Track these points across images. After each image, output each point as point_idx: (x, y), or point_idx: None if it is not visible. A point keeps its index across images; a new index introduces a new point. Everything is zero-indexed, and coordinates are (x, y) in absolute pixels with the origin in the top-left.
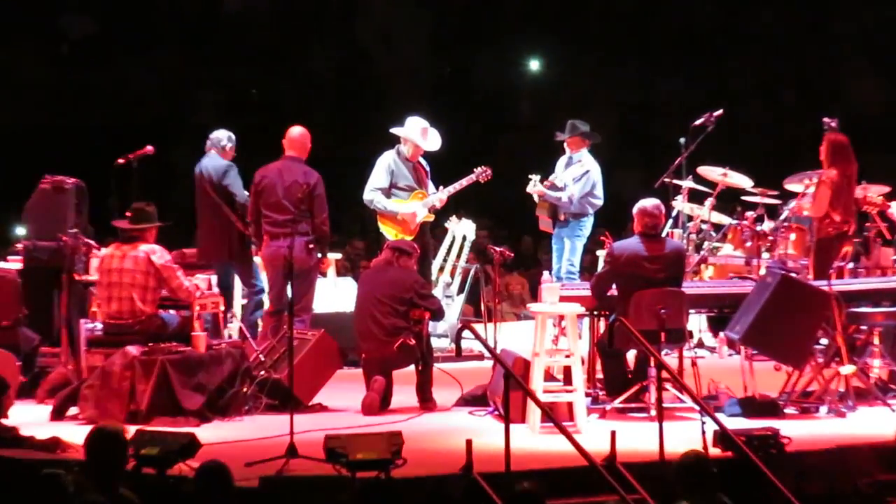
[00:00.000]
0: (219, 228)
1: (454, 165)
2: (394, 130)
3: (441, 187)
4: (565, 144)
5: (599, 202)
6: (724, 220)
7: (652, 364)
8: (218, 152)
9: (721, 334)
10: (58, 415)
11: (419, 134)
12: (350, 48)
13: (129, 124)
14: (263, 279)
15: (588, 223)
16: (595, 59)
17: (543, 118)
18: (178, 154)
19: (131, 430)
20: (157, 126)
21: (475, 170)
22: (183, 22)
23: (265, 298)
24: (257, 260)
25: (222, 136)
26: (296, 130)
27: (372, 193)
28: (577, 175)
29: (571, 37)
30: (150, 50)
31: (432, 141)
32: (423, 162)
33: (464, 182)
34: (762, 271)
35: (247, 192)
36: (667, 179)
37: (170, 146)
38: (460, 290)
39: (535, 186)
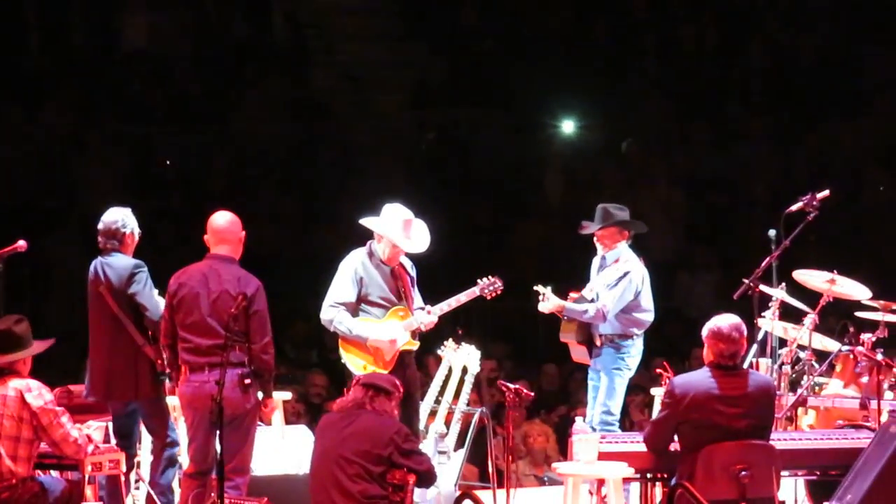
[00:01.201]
0: (121, 355)
1: (451, 269)
2: (365, 222)
3: (428, 305)
4: (595, 240)
5: (648, 318)
6: (830, 345)
7: None
8: (118, 244)
9: None
10: None
11: (400, 229)
12: (302, 101)
13: None
14: (179, 428)
15: (633, 350)
16: (651, 118)
17: (577, 201)
18: (60, 249)
19: None
20: (30, 210)
21: (480, 281)
22: (68, 64)
23: (179, 454)
24: (172, 400)
25: (121, 219)
26: (222, 218)
27: (332, 311)
28: (611, 280)
29: (620, 88)
30: (20, 103)
31: (418, 239)
32: (407, 265)
33: (462, 297)
34: (884, 417)
35: (162, 304)
36: (751, 287)
37: (49, 238)
38: (459, 444)
39: (548, 301)
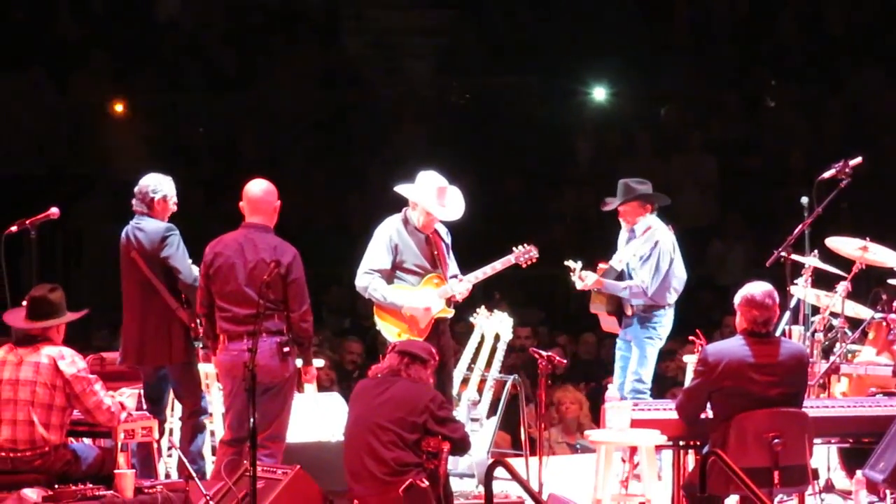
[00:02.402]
0: (154, 319)
1: (482, 236)
2: (399, 189)
3: (461, 275)
4: (618, 215)
5: (680, 286)
6: (863, 312)
7: None
8: (147, 209)
9: (858, 474)
10: None
11: (434, 196)
12: (334, 69)
13: (22, 175)
14: (213, 395)
15: (664, 319)
16: (682, 84)
17: (609, 168)
18: (91, 216)
19: None
20: (61, 178)
21: (515, 249)
22: (99, 31)
23: (209, 422)
24: (206, 368)
25: (154, 184)
26: (257, 186)
27: (367, 277)
28: (643, 252)
29: (649, 55)
30: (50, 67)
31: (452, 206)
32: (442, 232)
33: (497, 265)
34: None
35: (196, 269)
36: (783, 255)
37: (81, 205)
38: (492, 412)
39: (587, 279)
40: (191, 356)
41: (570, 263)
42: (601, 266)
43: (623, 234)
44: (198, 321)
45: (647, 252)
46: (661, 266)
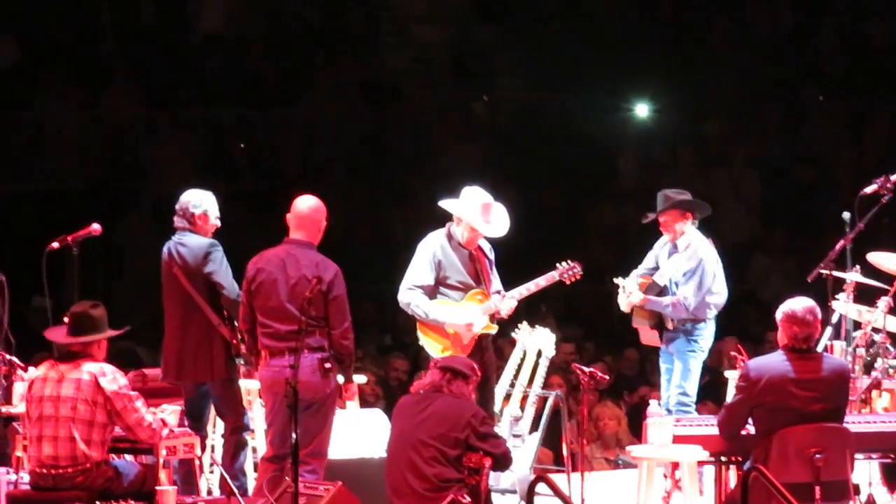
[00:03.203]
0: (195, 336)
1: (523, 252)
2: (444, 205)
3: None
4: (660, 227)
5: (721, 300)
6: None
7: None
8: (189, 225)
9: None
10: None
11: (479, 212)
12: (376, 84)
13: (65, 191)
14: (254, 412)
15: (706, 332)
16: (725, 99)
17: (651, 184)
18: (133, 232)
19: None
20: (103, 193)
21: (559, 265)
22: (140, 46)
23: (250, 438)
24: (248, 384)
25: (195, 200)
26: (305, 203)
27: (410, 293)
28: (688, 268)
29: (692, 70)
30: (92, 85)
31: (497, 223)
32: (486, 248)
33: (541, 282)
34: None
35: (238, 287)
36: (825, 271)
37: (123, 221)
38: (534, 428)
39: (628, 295)
40: (232, 372)
41: (619, 281)
42: (640, 281)
43: (661, 248)
44: (239, 337)
45: (693, 268)
46: (704, 283)
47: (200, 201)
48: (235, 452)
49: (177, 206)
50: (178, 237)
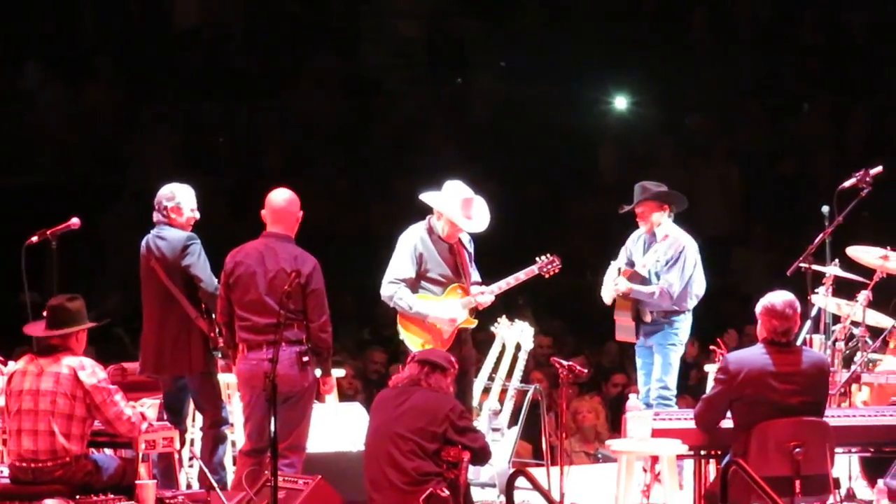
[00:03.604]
0: (173, 329)
1: (503, 245)
2: (424, 198)
3: (484, 286)
4: (636, 217)
5: (701, 291)
6: (884, 321)
7: None
8: (164, 219)
9: (880, 483)
10: None
11: (460, 207)
12: (357, 78)
13: (42, 185)
14: (234, 405)
15: (684, 325)
16: (705, 93)
17: (631, 177)
18: (114, 226)
19: None
20: (83, 187)
21: (538, 259)
22: (121, 40)
23: (229, 432)
24: (227, 378)
25: (168, 193)
26: (280, 196)
27: (392, 287)
28: (670, 256)
29: (672, 62)
30: (73, 76)
31: (478, 218)
32: (465, 240)
33: (521, 276)
34: None
35: (216, 280)
36: (804, 265)
37: (102, 215)
38: (513, 422)
39: (615, 284)
40: (210, 366)
41: (613, 265)
42: (625, 269)
43: (634, 243)
44: (217, 331)
45: (674, 255)
46: (686, 269)
47: (173, 194)
48: (215, 446)
49: (157, 203)
50: (156, 231)
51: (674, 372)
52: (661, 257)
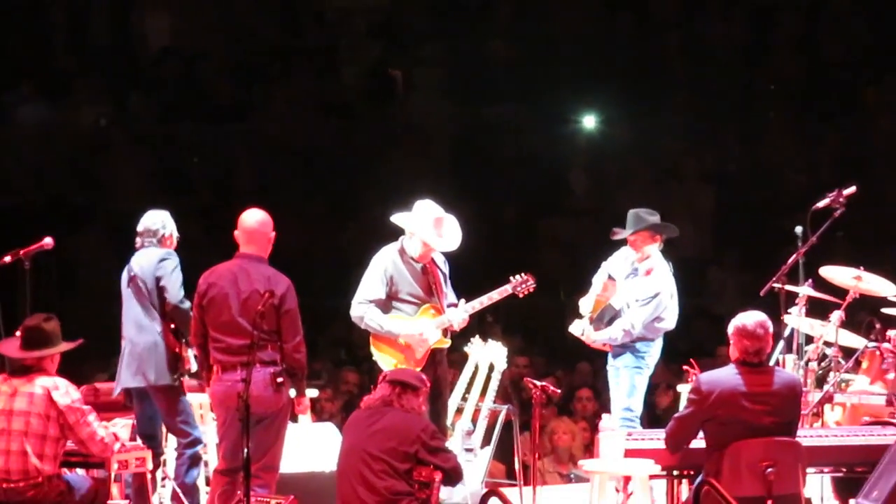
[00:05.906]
0: (146, 340)
1: (477, 265)
2: (395, 219)
3: (462, 301)
4: (627, 244)
5: (669, 326)
6: (856, 342)
7: None
8: (158, 244)
9: (852, 503)
10: None
11: (431, 227)
12: (330, 100)
13: (17, 205)
14: (208, 426)
15: (653, 350)
16: (678, 113)
17: (603, 197)
18: (87, 247)
19: None
20: (57, 208)
21: (512, 279)
22: (96, 62)
23: (202, 452)
24: (201, 398)
25: (158, 221)
26: (253, 217)
27: (361, 307)
28: (644, 296)
29: (643, 83)
30: (49, 100)
31: (449, 237)
32: (439, 261)
33: (494, 295)
34: None
35: (189, 301)
36: (777, 285)
37: (77, 236)
38: (486, 442)
39: (582, 331)
40: (175, 380)
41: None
42: (598, 299)
43: (618, 262)
44: (183, 344)
45: (649, 297)
46: (654, 313)
47: (166, 222)
48: (189, 467)
49: (140, 229)
50: (141, 256)
51: (639, 395)
52: (638, 294)
